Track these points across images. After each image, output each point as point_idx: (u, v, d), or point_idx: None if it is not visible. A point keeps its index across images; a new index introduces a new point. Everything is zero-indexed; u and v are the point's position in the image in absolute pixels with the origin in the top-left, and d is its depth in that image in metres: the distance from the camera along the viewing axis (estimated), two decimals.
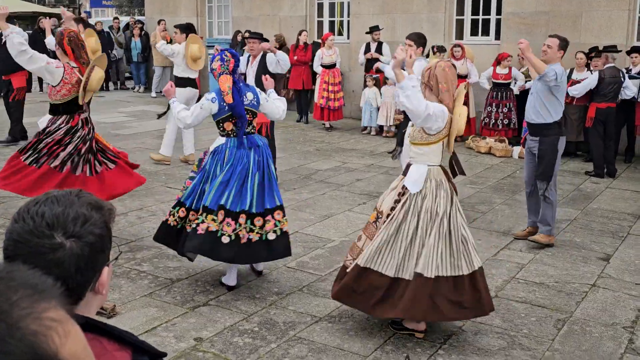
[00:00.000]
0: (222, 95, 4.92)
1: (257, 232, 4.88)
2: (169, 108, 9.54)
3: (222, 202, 4.81)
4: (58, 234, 1.29)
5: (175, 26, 9.65)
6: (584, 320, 4.74)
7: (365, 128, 12.63)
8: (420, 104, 4.18)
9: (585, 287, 5.35)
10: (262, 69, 7.69)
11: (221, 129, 5.05)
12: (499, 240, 6.45)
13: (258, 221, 4.89)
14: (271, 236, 4.91)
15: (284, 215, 5.02)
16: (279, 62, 7.69)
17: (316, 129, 12.77)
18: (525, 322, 4.68)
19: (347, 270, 4.41)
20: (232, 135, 5.01)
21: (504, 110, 11.12)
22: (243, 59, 8.01)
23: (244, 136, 4.99)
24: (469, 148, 11.01)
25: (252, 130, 5.10)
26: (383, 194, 4.60)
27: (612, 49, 9.71)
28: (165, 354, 1.38)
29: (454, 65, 4.51)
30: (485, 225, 6.90)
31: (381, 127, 12.36)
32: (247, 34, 14.21)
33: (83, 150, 5.87)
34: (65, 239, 1.30)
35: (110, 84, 18.29)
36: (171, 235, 5.08)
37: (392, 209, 4.35)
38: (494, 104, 11.20)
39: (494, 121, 11.19)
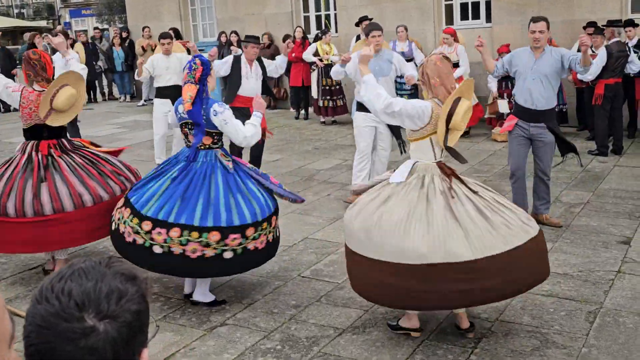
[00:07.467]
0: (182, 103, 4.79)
1: (214, 248, 4.57)
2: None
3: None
4: (89, 315, 1.10)
5: (163, 35, 9.35)
6: (616, 310, 4.58)
7: None
8: (377, 100, 4.22)
9: (611, 274, 5.19)
10: (265, 74, 7.62)
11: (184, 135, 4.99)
12: None
13: (214, 236, 4.57)
14: (228, 254, 4.63)
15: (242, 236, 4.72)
16: (276, 67, 7.64)
17: (312, 127, 12.57)
18: (555, 318, 4.52)
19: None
20: (187, 145, 4.91)
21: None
22: (228, 60, 7.75)
23: (196, 150, 4.78)
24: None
25: (213, 146, 4.82)
26: None
27: (617, 23, 9.52)
28: None
29: (446, 57, 4.33)
30: None
31: None
32: (233, 36, 14.07)
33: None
34: (98, 321, 1.10)
35: (99, 95, 18.04)
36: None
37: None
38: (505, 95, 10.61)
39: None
